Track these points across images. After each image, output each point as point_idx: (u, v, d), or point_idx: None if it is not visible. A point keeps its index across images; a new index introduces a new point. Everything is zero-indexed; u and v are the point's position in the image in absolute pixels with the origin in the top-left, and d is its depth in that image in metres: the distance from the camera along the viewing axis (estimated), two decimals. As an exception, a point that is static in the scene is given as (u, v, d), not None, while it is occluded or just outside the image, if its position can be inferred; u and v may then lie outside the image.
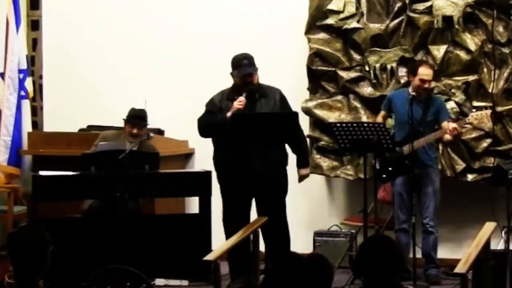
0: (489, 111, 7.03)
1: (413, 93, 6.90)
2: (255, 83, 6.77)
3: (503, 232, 6.86)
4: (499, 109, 7.31)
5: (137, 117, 7.28)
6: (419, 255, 6.94)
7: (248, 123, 6.71)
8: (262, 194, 6.76)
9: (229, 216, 6.80)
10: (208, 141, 7.91)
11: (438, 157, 7.29)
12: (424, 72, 7.01)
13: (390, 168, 6.90)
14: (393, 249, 3.96)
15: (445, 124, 6.97)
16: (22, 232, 4.08)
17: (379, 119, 7.18)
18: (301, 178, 6.99)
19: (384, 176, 6.94)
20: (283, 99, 6.85)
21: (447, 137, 6.97)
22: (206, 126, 6.85)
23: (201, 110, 8.10)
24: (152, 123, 7.99)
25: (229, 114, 6.68)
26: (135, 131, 7.24)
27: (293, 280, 3.72)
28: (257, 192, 6.77)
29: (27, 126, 8.46)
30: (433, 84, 7.40)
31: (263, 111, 6.76)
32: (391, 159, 6.90)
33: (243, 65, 6.74)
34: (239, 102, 6.66)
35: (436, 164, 7.19)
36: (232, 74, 6.82)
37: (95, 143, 7.32)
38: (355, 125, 6.66)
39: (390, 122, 7.27)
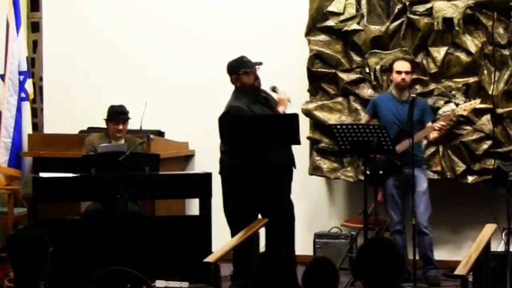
0: (478, 101, 7.06)
1: (410, 96, 6.91)
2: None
3: (503, 234, 6.85)
4: (499, 111, 7.32)
5: (119, 113, 7.38)
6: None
7: (250, 125, 6.69)
8: (276, 193, 6.76)
9: (240, 215, 6.70)
10: (209, 143, 7.92)
11: (425, 158, 7.31)
12: (398, 64, 7.13)
13: (380, 172, 6.89)
14: (393, 251, 3.96)
15: (429, 124, 7.05)
16: (21, 234, 4.07)
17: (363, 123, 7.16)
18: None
19: (375, 179, 6.91)
20: None
21: (433, 135, 7.05)
22: None
23: (202, 111, 8.13)
24: (152, 125, 8.02)
25: (282, 110, 6.75)
26: (120, 127, 7.35)
27: (279, 281, 3.70)
28: (271, 190, 6.74)
29: (27, 128, 8.45)
30: (432, 85, 7.42)
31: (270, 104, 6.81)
32: (379, 162, 6.87)
33: (248, 61, 6.78)
34: (286, 95, 6.74)
35: (423, 164, 7.20)
36: (236, 78, 6.78)
37: (84, 152, 7.34)
38: (355, 126, 6.65)
39: None
